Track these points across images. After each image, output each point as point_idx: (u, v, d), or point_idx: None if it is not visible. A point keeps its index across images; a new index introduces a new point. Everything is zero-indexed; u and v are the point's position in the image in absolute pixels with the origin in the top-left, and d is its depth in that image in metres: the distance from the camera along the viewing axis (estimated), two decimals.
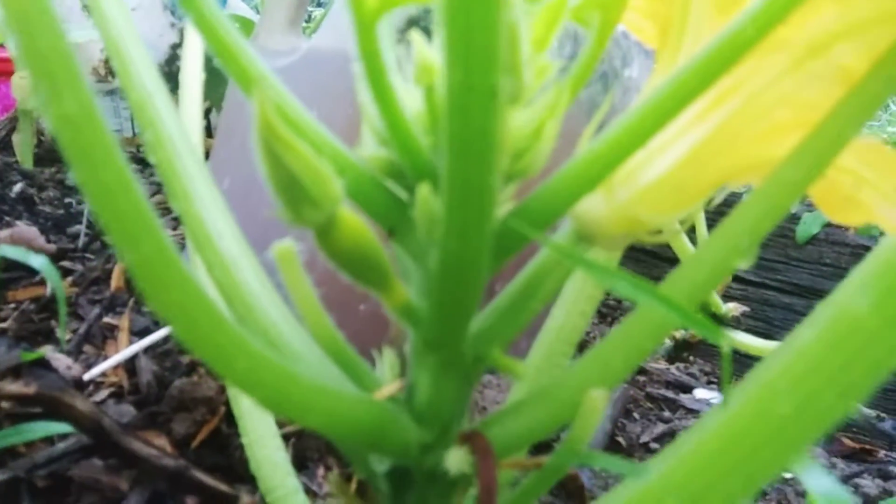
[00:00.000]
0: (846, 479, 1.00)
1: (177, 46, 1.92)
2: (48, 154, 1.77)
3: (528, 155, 0.37)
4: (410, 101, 0.37)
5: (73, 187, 1.53)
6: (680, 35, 0.42)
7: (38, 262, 0.63)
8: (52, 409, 0.62)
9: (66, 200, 1.38)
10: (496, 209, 0.35)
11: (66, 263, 1.08)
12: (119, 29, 0.48)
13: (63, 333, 0.90)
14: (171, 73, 1.94)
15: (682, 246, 1.13)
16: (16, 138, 1.74)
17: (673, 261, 1.27)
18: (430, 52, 0.36)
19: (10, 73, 2.01)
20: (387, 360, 0.45)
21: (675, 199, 0.40)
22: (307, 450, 0.76)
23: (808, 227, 1.34)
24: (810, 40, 0.36)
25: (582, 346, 0.87)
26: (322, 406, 0.36)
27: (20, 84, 1.66)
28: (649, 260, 1.47)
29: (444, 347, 0.39)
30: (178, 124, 0.48)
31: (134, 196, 0.27)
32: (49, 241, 1.10)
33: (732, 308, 1.30)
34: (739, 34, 0.33)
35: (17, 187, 1.34)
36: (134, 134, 1.95)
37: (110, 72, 1.94)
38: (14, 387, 0.60)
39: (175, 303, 0.29)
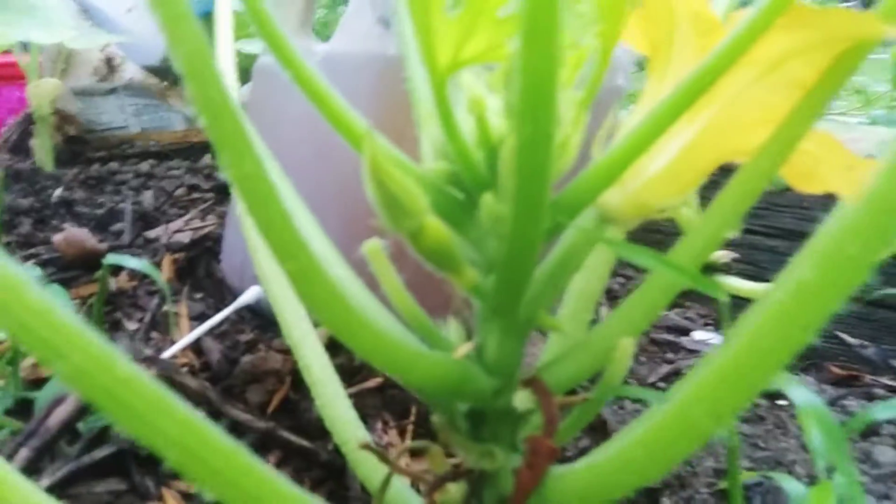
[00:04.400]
0: (833, 402, 1.11)
1: None
2: (63, 156, 1.85)
3: (561, 161, 0.48)
4: (465, 125, 0.48)
5: (98, 186, 1.63)
6: (668, 51, 0.53)
7: (138, 264, 0.74)
8: (168, 387, 0.73)
9: (99, 200, 1.48)
10: None
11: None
12: None
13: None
14: (171, 67, 2.03)
15: (684, 219, 1.25)
16: (34, 143, 1.83)
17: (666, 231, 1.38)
18: (480, 87, 0.47)
19: (14, 78, 2.09)
20: (452, 328, 0.56)
21: (674, 186, 0.51)
22: (366, 407, 0.87)
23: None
24: (770, 59, 0.47)
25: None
26: (421, 366, 0.47)
27: (36, 92, 1.74)
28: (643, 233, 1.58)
29: (505, 314, 0.50)
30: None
31: (293, 228, 0.38)
32: (99, 241, 1.21)
33: (723, 255, 1.42)
34: (717, 60, 0.44)
35: (58, 192, 1.44)
36: (141, 129, 2.04)
37: (111, 70, 2.02)
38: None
39: (323, 300, 0.40)
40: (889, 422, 0.95)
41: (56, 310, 0.29)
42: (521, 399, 0.50)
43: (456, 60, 0.41)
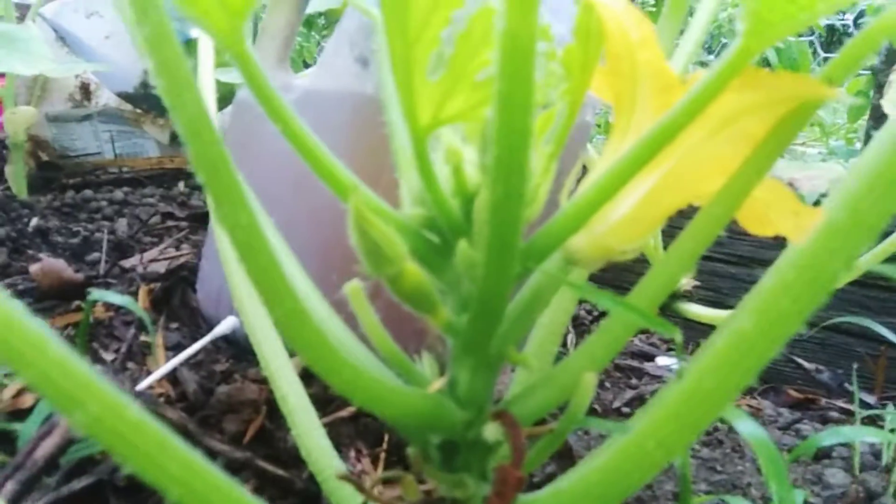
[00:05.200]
0: (789, 425, 1.16)
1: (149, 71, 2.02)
2: (37, 183, 1.86)
3: (531, 208, 0.52)
4: (442, 173, 0.52)
5: (72, 213, 1.64)
6: (631, 104, 0.56)
7: (122, 300, 0.76)
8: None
9: (74, 228, 1.49)
10: None
11: (92, 290, 1.21)
12: None
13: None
14: (146, 94, 2.05)
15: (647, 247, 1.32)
16: (8, 169, 1.83)
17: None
18: (456, 139, 0.51)
19: None
20: (426, 363, 0.59)
21: (636, 230, 0.54)
22: (340, 436, 0.90)
23: None
24: (724, 116, 0.51)
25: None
26: (397, 401, 0.50)
27: (12, 119, 1.75)
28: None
29: (477, 351, 0.53)
30: None
31: (282, 275, 0.41)
32: (76, 271, 1.22)
33: (684, 283, 1.47)
34: (674, 120, 0.48)
35: (34, 221, 1.45)
36: (115, 155, 2.05)
37: (86, 96, 2.03)
38: None
39: (308, 342, 0.43)
40: (840, 444, 1.00)
41: (75, 361, 0.31)
42: (491, 431, 0.53)
43: (436, 120, 0.44)
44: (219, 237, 0.85)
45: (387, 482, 0.89)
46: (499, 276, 0.45)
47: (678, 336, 0.47)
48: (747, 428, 0.58)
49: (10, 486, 0.64)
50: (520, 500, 0.52)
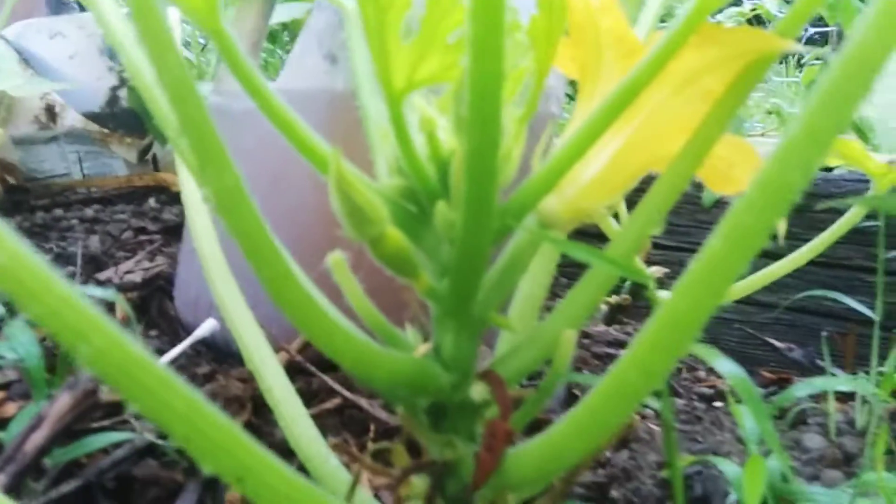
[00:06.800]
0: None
1: (116, 88, 2.02)
2: (5, 205, 1.85)
3: (505, 170, 0.54)
4: (417, 142, 0.53)
5: (43, 233, 1.64)
6: (595, 72, 0.59)
7: (104, 293, 0.76)
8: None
9: (47, 246, 1.49)
10: None
11: None
12: None
13: None
14: (113, 113, 2.05)
15: (609, 225, 1.34)
16: None
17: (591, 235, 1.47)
18: (429, 109, 0.52)
19: None
20: (409, 332, 0.61)
21: (605, 191, 0.57)
22: (326, 427, 0.91)
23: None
24: (684, 74, 0.53)
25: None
26: (386, 365, 0.52)
27: None
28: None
29: (459, 314, 0.55)
30: None
31: (269, 236, 0.43)
32: None
33: (655, 271, 1.50)
34: (637, 78, 0.50)
35: None
36: (83, 176, 2.05)
37: (52, 118, 2.03)
38: (110, 395, 0.74)
39: (298, 303, 0.45)
40: (815, 412, 1.02)
41: (80, 298, 0.33)
42: (478, 391, 0.55)
43: (410, 82, 0.46)
44: (196, 236, 0.86)
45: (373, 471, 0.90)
46: (477, 232, 0.47)
47: (651, 283, 0.50)
48: (725, 367, 0.60)
49: (1, 479, 0.65)
50: (509, 454, 0.53)
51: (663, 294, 1.49)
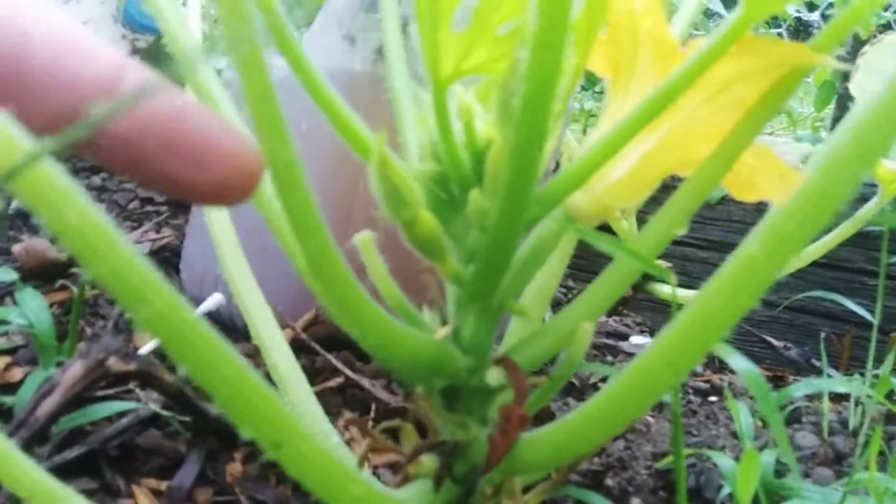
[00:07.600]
0: None
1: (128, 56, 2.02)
2: None
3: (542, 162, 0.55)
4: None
5: None
6: (630, 72, 0.60)
7: None
8: (147, 381, 0.77)
9: None
10: None
11: (76, 270, 1.20)
12: None
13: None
14: None
15: (620, 225, 1.39)
16: None
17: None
18: (468, 98, 0.54)
19: None
20: (428, 315, 0.62)
21: (631, 191, 0.58)
22: (328, 406, 0.92)
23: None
24: (719, 82, 0.54)
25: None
26: (409, 343, 0.53)
27: None
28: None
29: (481, 299, 0.56)
30: None
31: (315, 210, 0.44)
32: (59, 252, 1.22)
33: (658, 265, 1.52)
34: (675, 83, 0.51)
35: (15, 203, 1.45)
36: None
37: None
38: (119, 365, 0.75)
39: (334, 277, 0.46)
40: (809, 411, 1.05)
41: (141, 260, 0.34)
42: (494, 375, 0.56)
43: (457, 70, 0.47)
44: (209, 216, 0.86)
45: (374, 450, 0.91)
46: (512, 221, 0.48)
47: (672, 280, 0.51)
48: (739, 364, 0.62)
49: (13, 444, 0.66)
50: (522, 438, 0.55)
51: (666, 289, 1.51)
